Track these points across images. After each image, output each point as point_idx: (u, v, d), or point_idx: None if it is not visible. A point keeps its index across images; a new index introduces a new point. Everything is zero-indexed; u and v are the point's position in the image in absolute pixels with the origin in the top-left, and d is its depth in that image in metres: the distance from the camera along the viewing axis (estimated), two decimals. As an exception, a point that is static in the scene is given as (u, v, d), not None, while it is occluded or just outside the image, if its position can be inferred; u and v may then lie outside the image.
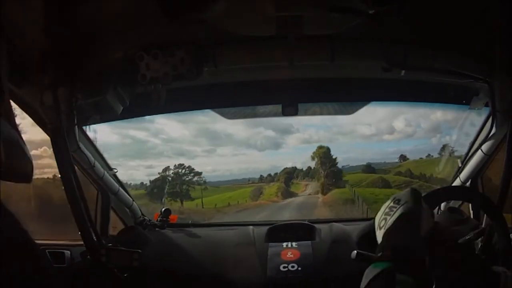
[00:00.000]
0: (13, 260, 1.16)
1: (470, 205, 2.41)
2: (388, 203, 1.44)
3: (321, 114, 2.81)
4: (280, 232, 2.60)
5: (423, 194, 1.53)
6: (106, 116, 1.98)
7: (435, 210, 2.55)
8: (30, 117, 2.03)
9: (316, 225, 2.63)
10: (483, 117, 2.25)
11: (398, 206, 1.39)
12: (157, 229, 2.78)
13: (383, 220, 1.41)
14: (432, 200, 1.68)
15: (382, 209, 1.45)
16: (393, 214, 1.38)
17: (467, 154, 2.43)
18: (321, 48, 1.88)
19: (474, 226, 2.20)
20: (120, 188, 2.63)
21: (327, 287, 2.30)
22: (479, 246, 1.88)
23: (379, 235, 1.41)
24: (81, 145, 2.19)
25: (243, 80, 2.25)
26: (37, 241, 2.30)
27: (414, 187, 1.46)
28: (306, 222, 2.69)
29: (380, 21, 1.62)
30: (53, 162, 2.00)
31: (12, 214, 1.28)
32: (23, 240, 1.28)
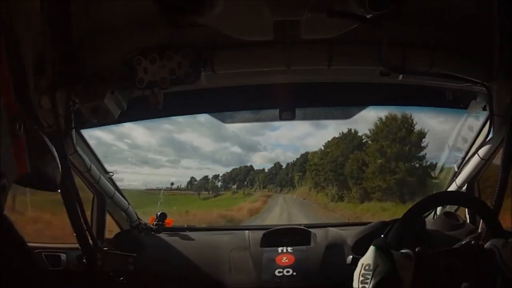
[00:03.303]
0: (8, 264, 1.15)
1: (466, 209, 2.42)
2: (359, 271, 1.43)
3: (318, 118, 2.81)
4: (276, 236, 2.60)
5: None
6: (104, 119, 1.97)
7: (431, 215, 2.56)
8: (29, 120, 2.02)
9: (312, 230, 2.63)
10: (481, 121, 2.26)
11: (371, 273, 1.38)
12: (152, 233, 2.78)
13: None
14: (418, 213, 1.68)
15: (356, 277, 1.44)
16: (370, 282, 1.37)
17: (463, 158, 2.43)
18: (318, 53, 1.88)
19: (470, 231, 2.20)
20: (116, 192, 2.63)
21: None
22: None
23: None
24: (78, 148, 2.19)
25: (240, 85, 2.25)
26: (33, 244, 2.33)
27: (375, 243, 1.45)
28: (302, 227, 2.69)
29: (378, 25, 1.62)
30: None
31: (6, 217, 1.27)
32: (18, 243, 1.28)
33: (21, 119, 1.07)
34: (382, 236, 1.66)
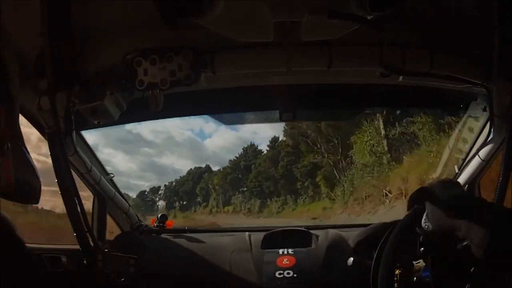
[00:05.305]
0: (9, 266, 1.15)
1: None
2: None
3: (318, 119, 2.83)
4: (277, 238, 2.59)
5: None
6: (104, 120, 1.98)
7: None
8: (28, 121, 2.03)
9: (313, 231, 2.63)
10: (481, 123, 2.26)
11: None
12: (153, 234, 2.78)
13: None
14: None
15: None
16: None
17: (464, 159, 2.43)
18: (318, 54, 1.88)
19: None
20: (117, 193, 2.64)
21: None
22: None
23: None
24: (78, 149, 2.19)
25: (240, 86, 2.25)
26: (33, 246, 2.33)
27: None
28: (303, 229, 2.69)
29: (378, 27, 1.62)
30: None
31: (6, 219, 1.27)
32: (18, 245, 1.28)
33: (7, 139, 1.11)
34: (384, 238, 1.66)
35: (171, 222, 2.90)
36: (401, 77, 1.99)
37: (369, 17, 1.56)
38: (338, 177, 21.35)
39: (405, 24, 1.75)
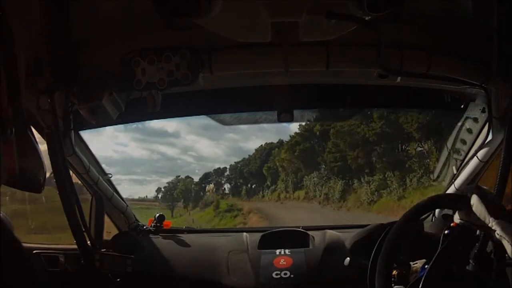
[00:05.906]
0: (6, 265, 1.15)
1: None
2: None
3: (317, 120, 2.83)
4: (274, 239, 2.59)
5: None
6: (102, 120, 1.97)
7: (430, 217, 2.56)
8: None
9: (310, 232, 2.62)
10: (480, 124, 2.26)
11: None
12: (150, 234, 2.78)
13: None
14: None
15: None
16: None
17: (462, 161, 2.43)
18: (316, 55, 1.88)
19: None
20: (114, 193, 2.63)
21: None
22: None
23: None
24: (77, 149, 2.19)
25: (238, 86, 2.25)
26: (31, 245, 2.33)
27: None
28: (300, 229, 2.69)
29: (376, 28, 1.62)
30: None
31: (3, 220, 1.27)
32: (15, 245, 1.28)
33: (12, 123, 1.09)
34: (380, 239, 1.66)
35: (169, 222, 2.90)
36: (399, 78, 1.99)
37: (367, 18, 1.56)
38: None
39: (404, 25, 1.76)
